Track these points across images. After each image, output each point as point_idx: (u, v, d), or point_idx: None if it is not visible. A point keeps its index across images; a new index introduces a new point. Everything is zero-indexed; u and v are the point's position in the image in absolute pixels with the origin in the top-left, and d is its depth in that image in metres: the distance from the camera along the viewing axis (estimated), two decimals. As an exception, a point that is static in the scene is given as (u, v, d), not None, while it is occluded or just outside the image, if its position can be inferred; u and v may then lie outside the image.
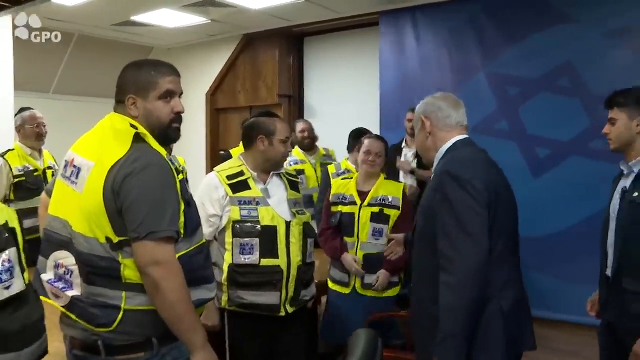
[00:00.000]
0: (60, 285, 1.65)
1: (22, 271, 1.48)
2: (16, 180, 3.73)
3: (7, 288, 1.41)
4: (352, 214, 3.06)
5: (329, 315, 3.18)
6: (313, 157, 4.51)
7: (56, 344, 1.82)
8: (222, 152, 5.18)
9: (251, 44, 6.65)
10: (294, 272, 2.42)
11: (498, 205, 1.80)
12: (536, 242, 4.14)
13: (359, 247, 3.04)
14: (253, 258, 2.37)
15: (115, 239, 1.58)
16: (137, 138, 1.64)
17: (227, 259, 2.40)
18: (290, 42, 6.46)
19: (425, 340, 1.90)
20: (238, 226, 2.38)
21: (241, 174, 2.49)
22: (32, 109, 3.95)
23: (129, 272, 1.59)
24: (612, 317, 2.27)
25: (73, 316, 1.62)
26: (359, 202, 3.07)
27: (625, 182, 2.26)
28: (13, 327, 1.40)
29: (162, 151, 1.69)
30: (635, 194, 2.16)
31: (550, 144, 4.46)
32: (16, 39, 4.57)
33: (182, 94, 1.79)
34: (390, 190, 3.12)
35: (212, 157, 6.94)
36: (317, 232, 3.02)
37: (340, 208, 3.09)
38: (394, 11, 5.33)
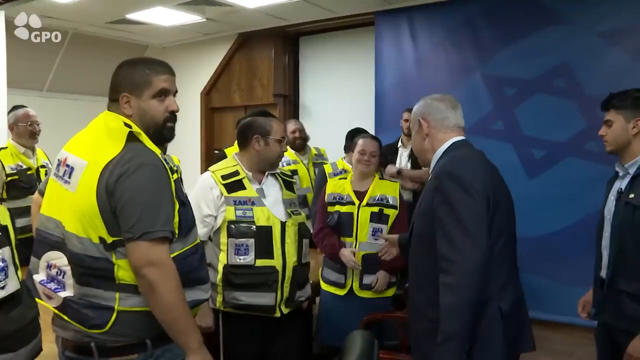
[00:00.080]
0: (53, 286, 1.63)
1: (16, 269, 1.47)
2: (9, 178, 3.69)
3: (2, 288, 1.40)
4: (351, 214, 3.04)
5: (324, 317, 3.16)
6: (305, 157, 4.51)
7: (48, 345, 1.80)
8: (216, 152, 5.16)
9: (246, 43, 6.63)
10: (289, 272, 2.41)
11: (497, 206, 1.81)
12: (531, 242, 4.15)
13: (357, 247, 3.02)
14: (248, 259, 2.36)
15: (109, 239, 1.57)
16: (131, 137, 1.63)
17: (222, 260, 2.39)
18: (286, 41, 6.44)
19: (422, 342, 1.90)
20: (233, 226, 2.36)
21: (236, 173, 2.47)
22: (26, 107, 3.92)
23: (123, 272, 1.58)
24: (608, 318, 2.27)
25: (65, 317, 1.61)
26: (357, 202, 3.06)
27: (621, 184, 2.27)
28: (9, 327, 1.39)
29: (157, 150, 1.67)
30: (631, 195, 2.16)
31: (546, 144, 4.47)
32: (8, 36, 4.53)
33: (176, 92, 1.78)
34: (387, 190, 3.12)
35: (206, 156, 6.93)
36: (312, 232, 2.99)
37: (337, 208, 3.07)
38: (390, 11, 5.32)
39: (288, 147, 4.48)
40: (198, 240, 1.80)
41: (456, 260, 1.71)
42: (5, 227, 1.49)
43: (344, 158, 4.10)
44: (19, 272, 1.49)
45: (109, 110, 1.74)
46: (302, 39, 6.51)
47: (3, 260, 1.42)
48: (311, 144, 4.78)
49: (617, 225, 2.22)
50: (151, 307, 1.57)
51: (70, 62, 6.34)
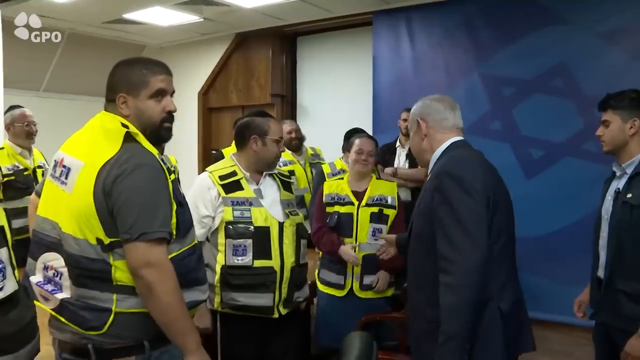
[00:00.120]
0: (50, 287, 1.63)
1: (13, 270, 1.46)
2: (5, 179, 3.68)
3: (1, 289, 1.39)
4: (350, 214, 3.03)
5: (322, 320, 3.14)
6: (301, 157, 4.51)
7: (45, 347, 1.79)
8: (214, 152, 5.15)
9: (244, 43, 6.62)
10: (287, 273, 2.40)
11: (496, 206, 1.81)
12: (530, 242, 4.14)
13: (357, 247, 3.01)
14: (246, 259, 2.35)
15: (106, 240, 1.56)
16: (128, 137, 1.62)
17: (220, 260, 2.38)
18: (283, 41, 6.43)
19: (421, 343, 1.89)
20: (231, 227, 2.36)
21: (234, 174, 2.46)
22: (22, 107, 3.90)
23: (120, 274, 1.57)
24: (606, 318, 2.28)
25: (62, 319, 1.60)
26: (356, 202, 3.05)
27: (618, 183, 2.28)
28: (8, 328, 1.38)
29: (154, 151, 1.67)
30: (629, 195, 2.17)
31: (544, 144, 4.47)
32: (5, 36, 4.51)
33: (173, 92, 1.77)
34: (386, 190, 3.12)
35: (204, 156, 6.91)
36: (309, 232, 2.98)
37: (337, 208, 3.06)
38: (388, 11, 5.32)
39: (285, 148, 4.49)
40: (196, 241, 1.80)
41: (456, 260, 1.71)
42: (2, 227, 1.47)
43: (342, 158, 4.09)
44: (16, 272, 1.48)
45: (105, 110, 1.73)
46: (300, 39, 6.50)
47: (0, 262, 1.40)
48: (309, 144, 4.78)
49: (614, 224, 2.22)
50: (149, 308, 1.57)
51: (67, 62, 6.32)
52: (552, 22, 4.41)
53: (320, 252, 3.20)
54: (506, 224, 1.87)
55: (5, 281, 1.40)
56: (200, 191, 2.42)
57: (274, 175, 2.59)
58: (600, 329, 2.36)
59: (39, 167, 3.86)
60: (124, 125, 1.63)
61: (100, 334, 1.57)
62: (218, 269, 2.37)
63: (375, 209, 3.03)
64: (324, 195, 3.08)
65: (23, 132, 3.80)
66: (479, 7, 4.80)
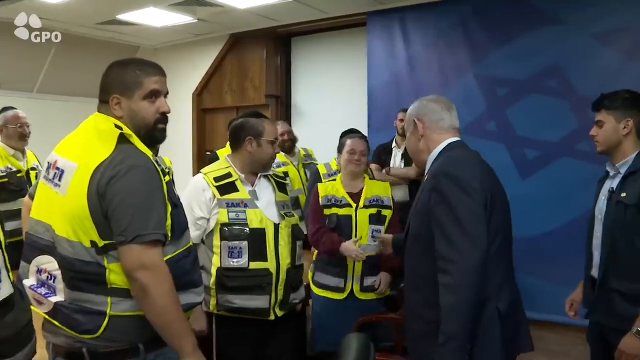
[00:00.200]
0: (43, 290, 1.61)
1: (7, 273, 1.44)
2: (-2, 181, 3.66)
3: None
4: (349, 216, 3.00)
5: (318, 323, 3.08)
6: (294, 158, 4.50)
7: (39, 351, 1.78)
8: (208, 153, 5.14)
9: (238, 43, 6.62)
10: (283, 275, 2.39)
11: (493, 206, 1.81)
12: (524, 243, 4.12)
13: (359, 241, 2.93)
14: (242, 261, 2.33)
15: (101, 243, 1.55)
16: (122, 138, 1.61)
17: (215, 262, 2.36)
18: (277, 42, 6.42)
19: (419, 343, 1.89)
20: (226, 229, 2.34)
21: (228, 175, 2.45)
22: (15, 109, 3.88)
23: (115, 276, 1.56)
24: (600, 317, 2.29)
25: (56, 322, 1.59)
26: (353, 204, 3.02)
27: (612, 183, 2.29)
28: (6, 332, 1.37)
29: (148, 152, 1.66)
30: (623, 194, 2.18)
31: (538, 145, 4.48)
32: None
33: (167, 93, 1.76)
34: (380, 191, 3.10)
35: (198, 157, 6.90)
36: (305, 233, 2.96)
37: (334, 210, 3.02)
38: (382, 11, 5.32)
39: (279, 149, 4.49)
40: (191, 243, 1.78)
41: (455, 260, 1.70)
42: (-5, 230, 1.46)
43: (337, 159, 4.09)
44: (11, 276, 1.46)
45: (99, 111, 1.72)
46: (294, 40, 6.50)
47: None
48: (303, 144, 4.78)
49: (608, 224, 2.23)
50: (144, 310, 1.56)
51: (61, 63, 6.30)
52: (546, 22, 4.42)
53: (315, 255, 3.16)
54: (503, 224, 1.87)
55: (0, 284, 1.38)
56: (195, 193, 2.41)
57: (269, 177, 2.58)
58: (595, 328, 2.36)
59: (33, 169, 3.84)
60: (117, 126, 1.62)
61: (95, 337, 1.56)
62: (213, 271, 2.36)
63: (373, 211, 3.01)
64: (320, 197, 3.04)
65: (16, 134, 3.77)
66: (473, 8, 4.80)
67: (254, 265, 2.34)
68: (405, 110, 2.28)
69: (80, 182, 1.56)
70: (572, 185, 4.16)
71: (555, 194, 4.31)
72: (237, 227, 2.35)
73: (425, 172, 1.99)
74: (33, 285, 1.64)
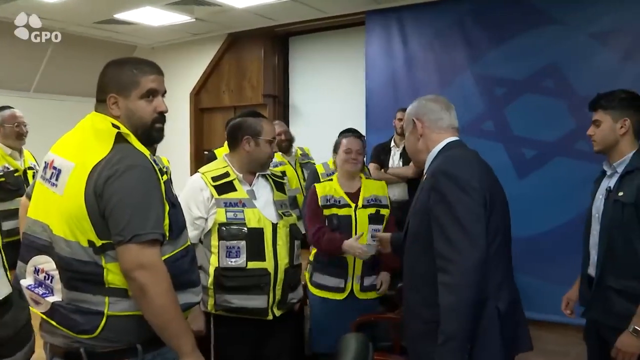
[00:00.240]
0: (40, 291, 1.61)
1: (5, 272, 1.44)
2: (-4, 181, 3.65)
3: None
4: (349, 217, 2.97)
5: (317, 324, 3.04)
6: (291, 158, 4.50)
7: (37, 350, 1.78)
8: (206, 153, 5.14)
9: (236, 43, 6.61)
10: (281, 274, 2.39)
11: (493, 205, 1.81)
12: (522, 242, 4.12)
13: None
14: (240, 261, 2.33)
15: (98, 242, 1.55)
16: (119, 138, 1.61)
17: (213, 262, 2.36)
18: (275, 41, 6.42)
19: (418, 343, 1.89)
20: (224, 228, 2.34)
21: (226, 175, 2.44)
22: (12, 108, 3.87)
23: (112, 276, 1.56)
24: (596, 315, 2.30)
25: (54, 323, 1.58)
26: (352, 204, 3.00)
27: (609, 182, 2.30)
28: (6, 332, 1.36)
29: (145, 151, 1.65)
30: (620, 193, 2.18)
31: (536, 144, 4.48)
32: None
33: (165, 93, 1.76)
34: (377, 190, 3.10)
35: (196, 157, 6.90)
36: (304, 232, 2.94)
37: (334, 211, 2.99)
38: (380, 11, 5.32)
39: (276, 149, 4.48)
40: (189, 243, 1.78)
41: (455, 260, 1.70)
42: (-8, 230, 1.46)
43: (333, 158, 4.08)
44: (9, 275, 1.46)
45: (96, 111, 1.71)
46: (292, 39, 6.49)
47: None
48: (302, 144, 4.77)
49: (606, 223, 2.24)
50: (143, 310, 1.55)
51: (58, 63, 6.29)
52: (544, 22, 4.43)
53: (312, 255, 3.12)
54: (502, 223, 1.87)
55: None
56: (193, 192, 2.40)
57: (267, 176, 2.58)
58: (591, 327, 2.38)
59: (30, 168, 3.83)
60: (114, 125, 1.62)
61: (92, 337, 1.55)
62: (211, 270, 2.35)
63: (372, 210, 3.00)
64: (318, 198, 3.00)
65: (13, 133, 3.77)
66: (470, 7, 4.81)
67: (252, 265, 2.34)
68: (404, 110, 2.28)
69: (78, 181, 1.55)
70: (569, 185, 4.16)
71: (553, 194, 4.31)
72: (235, 226, 2.34)
73: (424, 171, 1.99)
74: (30, 285, 1.63)
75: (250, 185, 2.48)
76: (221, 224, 2.34)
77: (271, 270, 2.36)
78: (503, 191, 1.94)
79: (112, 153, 1.57)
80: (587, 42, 4.25)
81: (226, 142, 2.62)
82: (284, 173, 4.14)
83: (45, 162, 1.69)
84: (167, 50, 6.88)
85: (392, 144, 4.54)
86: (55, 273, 1.57)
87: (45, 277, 1.60)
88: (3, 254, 1.44)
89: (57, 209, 1.58)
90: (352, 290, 2.97)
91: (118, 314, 1.56)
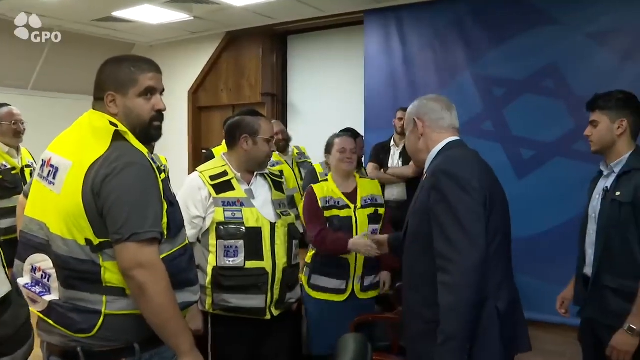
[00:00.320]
0: (38, 289, 1.60)
1: (4, 270, 1.43)
2: (-7, 178, 3.63)
3: None
4: (349, 218, 2.95)
5: (315, 327, 2.98)
6: (288, 157, 4.50)
7: (34, 349, 1.76)
8: (204, 151, 5.13)
9: (234, 41, 6.60)
10: (279, 274, 2.38)
11: (492, 205, 1.80)
12: (520, 243, 4.09)
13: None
14: (238, 260, 2.32)
15: (96, 241, 1.54)
16: (117, 136, 1.60)
17: (211, 262, 2.35)
18: (274, 40, 6.41)
19: (418, 343, 1.88)
20: (222, 228, 2.33)
21: (224, 174, 2.44)
22: (9, 105, 3.85)
23: (110, 275, 1.55)
24: (592, 314, 2.31)
25: (51, 321, 1.58)
26: (352, 205, 2.98)
27: (606, 182, 2.31)
28: (5, 331, 1.35)
29: (143, 149, 1.65)
30: (618, 193, 2.20)
31: (535, 145, 4.49)
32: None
33: (163, 91, 1.75)
34: (373, 189, 3.09)
35: (194, 156, 6.88)
36: (302, 232, 2.92)
37: (335, 212, 2.95)
38: (379, 10, 5.31)
39: (274, 147, 4.48)
40: (187, 242, 1.78)
41: (455, 260, 1.70)
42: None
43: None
44: (8, 273, 1.45)
45: (94, 108, 1.70)
46: (291, 38, 6.49)
47: None
48: (301, 143, 4.77)
49: (603, 222, 2.25)
50: (141, 309, 1.55)
51: (55, 60, 6.27)
52: (543, 22, 4.43)
53: (309, 257, 3.06)
54: (502, 223, 1.87)
55: None
56: (191, 191, 2.39)
57: (265, 175, 2.57)
58: (587, 326, 2.39)
59: (27, 166, 3.82)
60: (112, 123, 1.61)
61: (90, 336, 1.55)
62: (209, 270, 2.34)
63: (371, 210, 2.99)
64: (318, 200, 2.96)
65: (10, 131, 3.75)
66: (469, 7, 4.81)
67: (250, 264, 2.33)
68: (404, 109, 2.27)
69: (75, 180, 1.54)
70: (568, 185, 4.15)
71: (552, 194, 4.31)
72: (233, 226, 2.33)
73: (424, 171, 1.99)
74: (27, 284, 1.62)
75: (249, 184, 2.47)
76: (219, 223, 2.33)
77: (269, 269, 2.35)
78: (503, 191, 1.94)
79: (109, 151, 1.56)
80: (586, 42, 4.26)
81: (224, 141, 2.61)
82: (281, 172, 4.14)
83: (43, 160, 1.68)
84: (166, 49, 6.86)
85: (392, 143, 4.54)
86: (53, 272, 1.57)
87: (42, 275, 1.59)
88: (1, 252, 1.43)
89: (54, 207, 1.57)
90: (352, 290, 2.95)
91: (115, 313, 1.56)
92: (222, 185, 2.40)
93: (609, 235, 2.21)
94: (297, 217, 3.34)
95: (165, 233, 1.61)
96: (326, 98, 6.13)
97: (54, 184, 1.59)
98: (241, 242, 2.32)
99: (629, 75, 3.96)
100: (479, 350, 1.74)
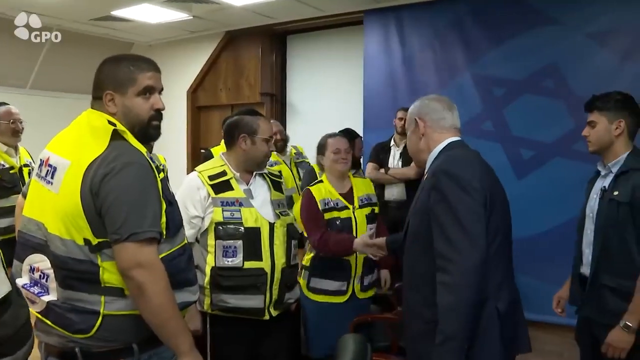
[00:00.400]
0: (36, 290, 1.60)
1: (4, 270, 1.42)
2: (-9, 178, 3.62)
3: None
4: (349, 219, 2.94)
5: (315, 329, 2.97)
6: (286, 157, 4.49)
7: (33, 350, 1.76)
8: (203, 151, 5.12)
9: (233, 41, 6.59)
10: (277, 274, 2.37)
11: (493, 205, 1.80)
12: (520, 243, 4.09)
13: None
14: (236, 260, 2.31)
15: (94, 241, 1.54)
16: (116, 135, 1.59)
17: (210, 262, 2.34)
18: (273, 39, 6.40)
19: (418, 343, 1.88)
20: (221, 228, 2.32)
21: (223, 174, 2.43)
22: (8, 104, 3.84)
23: (108, 275, 1.55)
24: (590, 313, 2.33)
25: (49, 322, 1.57)
26: (350, 205, 2.97)
27: (604, 182, 2.33)
28: (5, 331, 1.35)
29: (142, 149, 1.64)
30: (616, 193, 2.22)
31: (534, 145, 4.48)
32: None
33: (162, 90, 1.75)
34: (367, 189, 3.10)
35: (192, 155, 6.88)
36: (301, 233, 2.90)
37: (335, 214, 2.94)
38: (379, 10, 5.30)
39: (273, 147, 4.47)
40: (186, 241, 1.77)
41: (455, 260, 1.69)
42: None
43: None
44: (8, 273, 1.44)
45: (92, 108, 1.70)
46: (290, 38, 6.48)
47: None
48: (300, 143, 4.76)
49: (601, 222, 2.27)
50: (140, 309, 1.54)
51: (54, 59, 6.26)
52: (543, 22, 4.42)
53: (307, 260, 3.03)
54: (503, 223, 1.87)
55: None
56: (190, 191, 2.38)
57: (264, 175, 2.56)
58: (584, 326, 2.41)
59: (26, 165, 3.81)
60: (111, 122, 1.60)
61: (88, 337, 1.54)
62: (208, 270, 2.34)
63: (368, 210, 2.99)
64: (318, 202, 2.93)
65: (9, 130, 3.74)
66: (468, 7, 4.80)
67: (248, 264, 2.32)
68: (405, 109, 2.27)
69: (73, 179, 1.54)
70: (568, 185, 4.14)
71: (551, 194, 4.30)
72: (231, 226, 2.32)
73: (425, 171, 1.99)
74: (26, 284, 1.62)
75: (248, 184, 2.47)
76: (218, 223, 2.33)
77: (268, 270, 2.34)
78: (504, 191, 1.93)
79: (108, 150, 1.55)
80: (585, 42, 4.25)
81: (223, 141, 2.60)
82: (280, 172, 4.13)
83: (41, 160, 1.67)
84: (165, 48, 6.85)
85: (392, 143, 4.53)
86: (51, 272, 1.56)
87: (40, 275, 1.59)
88: (0, 252, 1.43)
89: (52, 207, 1.56)
90: (353, 291, 2.94)
91: (114, 314, 1.55)
92: (220, 185, 2.39)
93: (607, 234, 2.23)
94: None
95: (164, 233, 1.61)
96: (325, 98, 6.12)
97: (52, 183, 1.58)
98: (240, 242, 2.32)
99: (629, 75, 3.96)
100: (479, 350, 1.73)
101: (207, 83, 6.88)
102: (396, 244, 2.42)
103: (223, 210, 2.34)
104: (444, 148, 1.94)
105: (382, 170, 4.41)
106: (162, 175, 1.66)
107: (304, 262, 3.04)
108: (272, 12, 5.60)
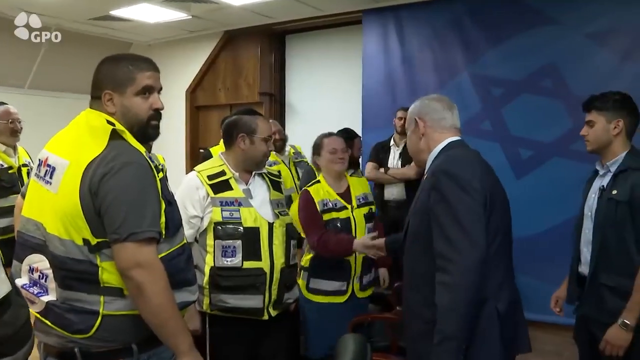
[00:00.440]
0: (35, 290, 1.59)
1: (4, 270, 1.42)
2: (-11, 178, 3.61)
3: None
4: (348, 219, 2.93)
5: (314, 329, 2.95)
6: (285, 157, 4.49)
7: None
8: (201, 151, 5.12)
9: (232, 40, 6.59)
10: (277, 274, 2.37)
11: (493, 205, 1.80)
12: (519, 243, 4.08)
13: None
14: (235, 260, 2.31)
15: (93, 241, 1.53)
16: (114, 135, 1.59)
17: (209, 262, 2.34)
18: (272, 39, 6.40)
19: (418, 343, 1.88)
20: (220, 228, 2.32)
21: (222, 173, 2.42)
22: (6, 104, 3.83)
23: (107, 275, 1.54)
24: (589, 311, 2.34)
25: (48, 322, 1.57)
26: (348, 205, 2.96)
27: (602, 181, 2.34)
28: (5, 331, 1.34)
29: (141, 148, 1.64)
30: (614, 192, 2.23)
31: (533, 145, 4.48)
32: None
33: (161, 89, 1.74)
34: (364, 188, 3.10)
35: (191, 155, 6.87)
36: (300, 234, 2.89)
37: (334, 215, 2.92)
38: (378, 10, 5.31)
39: (272, 147, 4.46)
40: (185, 241, 1.77)
41: (455, 260, 1.69)
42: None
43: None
44: (7, 273, 1.44)
45: (91, 107, 1.69)
46: (289, 37, 6.48)
47: None
48: (299, 143, 4.76)
49: (599, 221, 2.28)
50: (140, 309, 1.54)
51: (53, 59, 6.25)
52: (541, 22, 4.42)
53: (305, 261, 3.01)
54: (503, 223, 1.87)
55: None
56: (189, 191, 2.38)
57: (264, 175, 2.56)
58: (582, 324, 2.42)
59: (24, 165, 3.80)
60: (109, 122, 1.60)
61: (87, 337, 1.54)
62: (207, 270, 2.33)
63: (366, 210, 2.99)
64: (316, 203, 2.92)
65: (7, 130, 3.73)
66: (467, 7, 4.80)
67: (247, 264, 2.32)
68: (405, 109, 2.27)
69: (72, 179, 1.53)
70: (566, 185, 4.14)
71: (550, 194, 4.31)
72: (231, 226, 2.32)
73: (425, 171, 1.99)
74: (25, 284, 1.61)
75: (247, 184, 2.46)
76: (217, 223, 2.32)
77: (267, 270, 2.34)
78: (504, 191, 1.94)
79: (107, 150, 1.55)
80: (584, 42, 4.26)
81: (222, 140, 2.60)
82: (279, 172, 4.12)
83: (40, 160, 1.67)
84: (164, 48, 6.85)
85: (392, 143, 4.53)
86: (50, 272, 1.56)
87: (39, 276, 1.59)
88: (0, 252, 1.42)
89: (51, 207, 1.56)
90: (352, 291, 2.94)
91: (113, 314, 1.55)
92: (220, 185, 2.39)
93: (606, 234, 2.24)
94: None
95: (164, 232, 1.60)
96: (324, 98, 6.12)
97: (50, 183, 1.58)
98: (239, 242, 2.31)
99: (628, 75, 3.97)
100: (478, 350, 1.73)
101: (206, 83, 6.88)
102: (396, 244, 2.42)
103: (222, 210, 2.33)
104: (444, 148, 1.94)
105: (382, 170, 4.41)
106: (161, 175, 1.66)
107: (302, 263, 3.02)
108: (271, 11, 5.60)
